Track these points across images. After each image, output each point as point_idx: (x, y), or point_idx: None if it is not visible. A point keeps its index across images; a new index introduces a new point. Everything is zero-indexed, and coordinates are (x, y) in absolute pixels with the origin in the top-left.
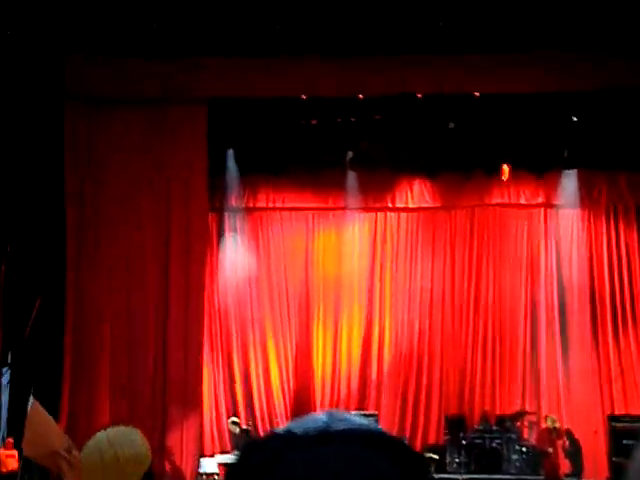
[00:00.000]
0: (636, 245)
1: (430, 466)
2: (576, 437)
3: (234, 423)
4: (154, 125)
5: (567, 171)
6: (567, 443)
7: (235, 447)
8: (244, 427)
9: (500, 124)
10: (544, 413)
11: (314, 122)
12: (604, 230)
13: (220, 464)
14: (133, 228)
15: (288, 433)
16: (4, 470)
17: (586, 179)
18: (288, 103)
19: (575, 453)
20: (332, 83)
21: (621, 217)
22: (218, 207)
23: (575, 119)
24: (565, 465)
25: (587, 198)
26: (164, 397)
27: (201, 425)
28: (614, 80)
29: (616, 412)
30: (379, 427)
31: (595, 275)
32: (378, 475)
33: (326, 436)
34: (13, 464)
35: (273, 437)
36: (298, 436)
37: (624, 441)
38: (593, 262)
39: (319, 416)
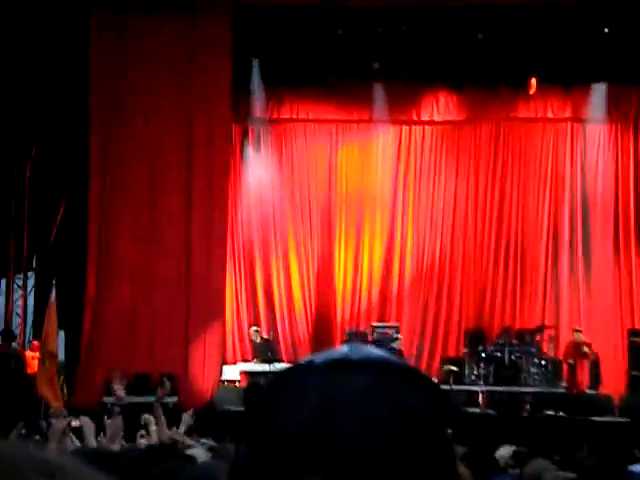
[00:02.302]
0: None
1: (450, 398)
2: (595, 350)
3: (256, 332)
4: (178, 33)
5: (596, 85)
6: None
7: (256, 355)
8: (265, 336)
9: (528, 36)
10: (563, 328)
11: (340, 32)
12: (631, 145)
13: (242, 372)
14: (156, 138)
15: (309, 363)
16: (30, 371)
17: (615, 93)
18: (314, 12)
19: (594, 366)
20: None
21: None
22: (242, 118)
23: (606, 30)
24: (585, 378)
25: (615, 112)
26: (188, 305)
27: (223, 334)
28: None
29: (636, 327)
30: (400, 359)
31: (620, 190)
32: (396, 402)
33: (346, 364)
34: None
35: (295, 367)
36: (318, 365)
37: None
38: (619, 177)
39: (341, 348)
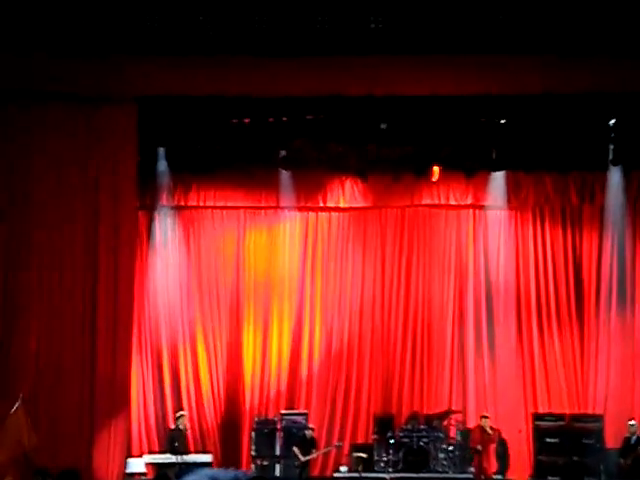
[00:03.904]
0: (561, 246)
1: None
2: (502, 436)
3: (182, 417)
4: (83, 124)
5: (495, 173)
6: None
7: (165, 446)
8: (172, 427)
9: (431, 126)
10: (470, 412)
11: (246, 121)
12: (530, 231)
13: (147, 464)
14: (62, 226)
15: None
16: None
17: (514, 181)
18: (220, 102)
19: (502, 451)
20: (264, 83)
21: (547, 218)
22: (149, 205)
23: (503, 121)
24: (492, 463)
25: (514, 199)
26: (92, 397)
27: (129, 425)
28: (542, 85)
29: (540, 411)
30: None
31: (521, 275)
32: None
33: None
34: None
35: None
36: None
37: (547, 439)
38: (519, 262)
39: (207, 471)
